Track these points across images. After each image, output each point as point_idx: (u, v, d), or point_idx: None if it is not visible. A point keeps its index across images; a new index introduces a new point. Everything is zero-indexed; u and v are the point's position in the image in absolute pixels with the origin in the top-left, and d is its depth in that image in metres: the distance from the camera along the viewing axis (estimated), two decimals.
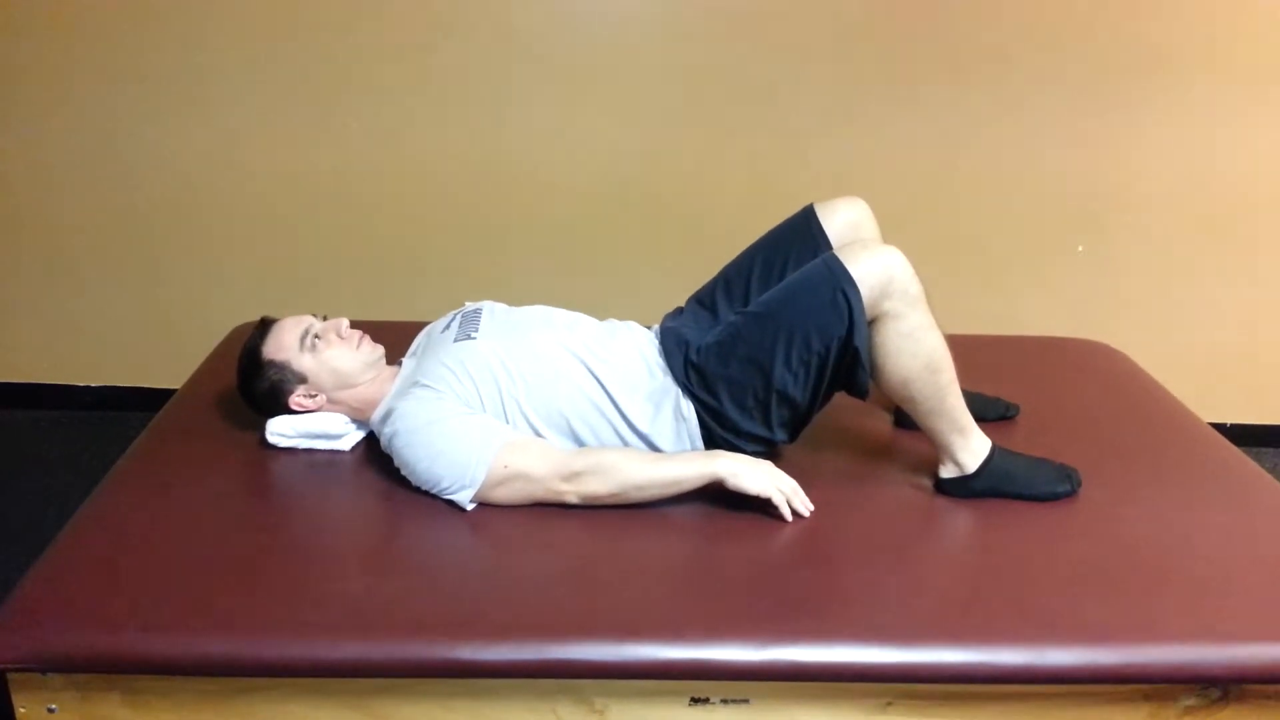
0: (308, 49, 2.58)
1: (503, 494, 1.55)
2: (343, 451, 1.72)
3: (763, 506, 1.56)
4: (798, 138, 2.66)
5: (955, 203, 2.72)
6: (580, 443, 1.66)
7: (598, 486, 1.54)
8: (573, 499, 1.55)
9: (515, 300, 1.87)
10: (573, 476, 1.54)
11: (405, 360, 1.80)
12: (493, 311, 1.78)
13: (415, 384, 1.65)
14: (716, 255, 1.92)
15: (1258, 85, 2.58)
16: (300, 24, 2.55)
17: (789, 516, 1.55)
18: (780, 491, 1.55)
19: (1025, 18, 2.53)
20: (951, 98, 2.61)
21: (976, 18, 2.53)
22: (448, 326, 1.78)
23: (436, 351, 1.71)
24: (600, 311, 1.85)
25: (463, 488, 1.54)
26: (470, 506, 1.55)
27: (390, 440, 1.61)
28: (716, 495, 1.56)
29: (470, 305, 1.84)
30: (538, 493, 1.55)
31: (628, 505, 1.56)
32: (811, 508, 1.57)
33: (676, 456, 1.60)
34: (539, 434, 1.65)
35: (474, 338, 1.69)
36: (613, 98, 2.63)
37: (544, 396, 1.64)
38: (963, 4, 2.52)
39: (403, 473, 1.60)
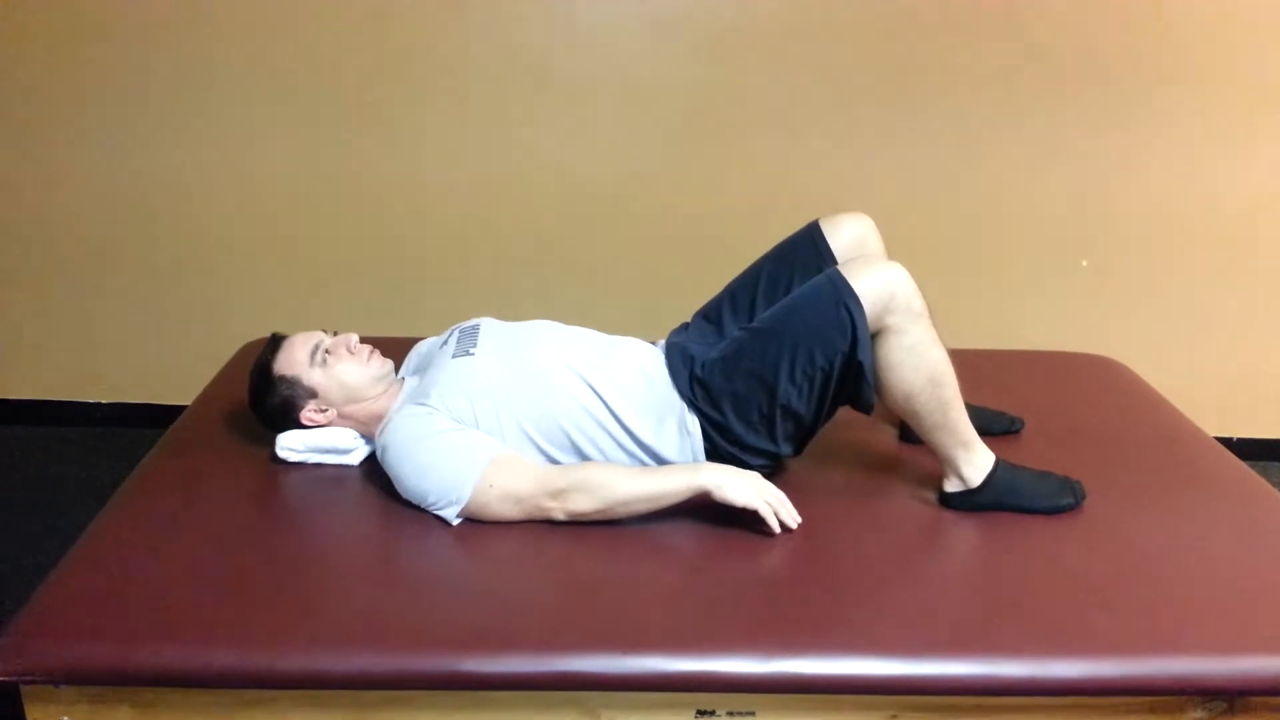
0: (316, 65, 2.61)
1: (490, 511, 1.55)
2: (351, 466, 1.74)
3: (751, 520, 1.54)
4: (802, 154, 2.67)
5: (959, 218, 2.73)
6: (584, 457, 1.65)
7: (584, 503, 1.53)
8: (559, 515, 1.55)
9: (522, 316, 1.87)
10: (559, 493, 1.54)
11: (408, 377, 1.82)
12: (491, 327, 1.78)
13: (411, 400, 1.67)
14: (723, 270, 1.93)
15: (1261, 102, 2.59)
16: (309, 40, 2.58)
17: (776, 529, 1.53)
18: (767, 504, 1.53)
19: (1029, 35, 2.55)
20: (956, 114, 2.63)
21: (981, 35, 2.55)
22: (445, 343, 1.79)
23: (435, 368, 1.72)
24: (608, 327, 1.86)
25: (449, 504, 1.54)
26: (456, 522, 1.55)
27: (382, 455, 1.63)
28: (717, 510, 1.55)
29: (470, 321, 1.84)
30: (526, 509, 1.55)
31: (620, 521, 1.55)
32: (799, 520, 1.55)
33: (661, 470, 1.59)
34: (541, 450, 1.65)
35: (471, 354, 1.70)
36: (619, 115, 2.65)
37: (542, 412, 1.64)
38: (966, 21, 2.54)
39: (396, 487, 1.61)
